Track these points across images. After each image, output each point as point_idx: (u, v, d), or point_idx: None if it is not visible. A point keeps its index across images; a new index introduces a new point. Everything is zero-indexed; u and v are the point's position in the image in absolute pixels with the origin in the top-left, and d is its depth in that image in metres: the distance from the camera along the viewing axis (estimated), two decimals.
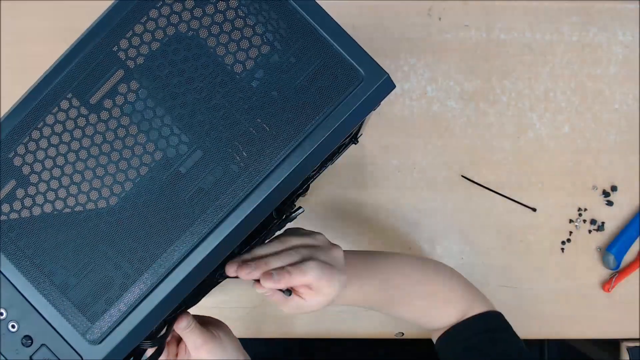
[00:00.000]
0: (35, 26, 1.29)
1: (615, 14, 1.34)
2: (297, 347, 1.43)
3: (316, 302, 0.90)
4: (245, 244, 0.90)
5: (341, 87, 0.70)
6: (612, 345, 1.41)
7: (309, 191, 1.26)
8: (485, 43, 1.34)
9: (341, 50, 0.70)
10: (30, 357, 0.71)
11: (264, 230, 0.92)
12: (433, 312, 1.07)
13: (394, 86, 0.72)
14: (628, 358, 1.31)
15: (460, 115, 1.33)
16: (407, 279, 1.04)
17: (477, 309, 1.08)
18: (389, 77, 0.71)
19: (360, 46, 0.71)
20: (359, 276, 0.98)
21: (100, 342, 0.69)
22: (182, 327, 0.85)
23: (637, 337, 1.32)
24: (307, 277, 0.86)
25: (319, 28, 0.70)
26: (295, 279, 0.86)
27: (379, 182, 1.32)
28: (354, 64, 0.70)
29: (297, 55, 0.70)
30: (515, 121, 1.33)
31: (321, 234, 0.97)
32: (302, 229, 0.98)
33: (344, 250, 0.98)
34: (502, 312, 1.27)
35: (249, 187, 0.69)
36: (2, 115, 0.72)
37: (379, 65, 0.70)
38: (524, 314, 1.32)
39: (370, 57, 0.70)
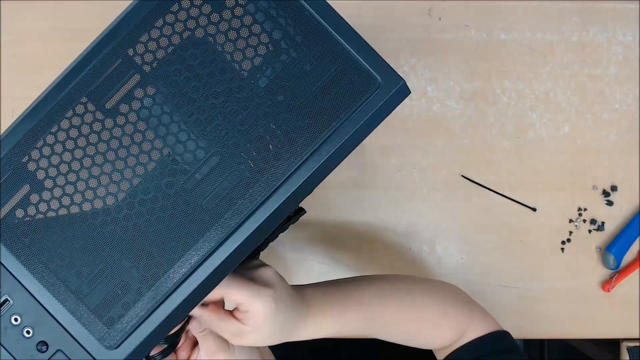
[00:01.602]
0: (35, 26, 1.28)
1: (615, 14, 1.34)
2: (303, 347, 1.43)
3: (254, 323, 0.82)
4: None
5: (358, 93, 0.70)
6: (612, 345, 1.42)
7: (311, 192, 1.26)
8: (485, 43, 1.34)
9: (358, 57, 0.70)
10: None
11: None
12: (424, 334, 1.03)
13: (410, 92, 0.72)
14: (628, 358, 1.32)
15: (460, 115, 1.33)
16: (391, 304, 0.99)
17: (475, 329, 1.04)
18: (405, 83, 0.71)
19: (376, 52, 0.71)
20: (335, 305, 0.93)
21: (117, 347, 0.69)
22: (194, 328, 0.84)
23: (637, 337, 1.33)
24: (214, 294, 0.80)
25: (336, 34, 0.70)
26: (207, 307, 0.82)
27: (379, 182, 1.32)
28: (371, 70, 0.70)
29: (315, 61, 0.70)
30: (515, 121, 1.34)
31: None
32: None
33: (320, 282, 0.97)
34: (502, 312, 1.27)
35: (266, 192, 0.69)
36: (7, 117, 0.71)
37: (395, 72, 0.70)
38: (524, 314, 1.33)
39: (387, 63, 0.70)
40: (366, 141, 1.31)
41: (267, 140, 0.70)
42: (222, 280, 0.73)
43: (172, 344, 0.86)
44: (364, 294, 0.97)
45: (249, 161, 0.70)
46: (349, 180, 1.32)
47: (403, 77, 1.29)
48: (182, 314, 0.71)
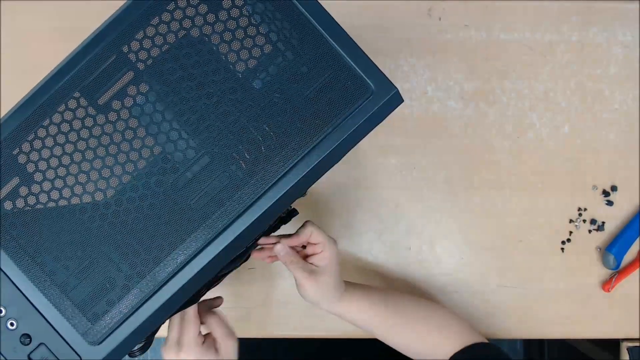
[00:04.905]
0: (35, 26, 1.29)
1: (615, 14, 1.34)
2: (299, 347, 1.43)
3: (324, 264, 1.00)
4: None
5: (351, 100, 0.70)
6: (612, 345, 1.41)
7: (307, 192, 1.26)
8: (485, 43, 1.34)
9: (352, 63, 0.70)
10: (29, 355, 0.71)
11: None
12: (430, 338, 1.10)
13: (402, 100, 0.72)
14: (628, 358, 1.31)
15: (460, 115, 1.33)
16: (406, 305, 1.13)
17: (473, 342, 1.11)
18: (397, 91, 0.71)
19: (371, 60, 0.71)
20: (362, 288, 1.12)
21: (100, 343, 0.69)
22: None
23: (637, 337, 1.32)
24: (307, 230, 1.00)
25: (331, 40, 0.71)
26: (300, 238, 1.00)
27: (379, 182, 1.32)
28: (364, 77, 0.71)
29: (309, 65, 0.70)
30: (515, 121, 1.33)
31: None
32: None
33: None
34: (502, 312, 1.27)
35: (255, 194, 0.70)
36: (5, 113, 0.72)
37: (389, 80, 0.71)
38: (524, 314, 1.32)
39: (381, 71, 0.71)
40: (366, 141, 1.31)
41: (258, 142, 0.70)
42: (208, 279, 0.74)
43: (149, 340, 0.86)
44: (385, 291, 1.14)
45: (240, 162, 0.70)
46: (349, 180, 1.32)
47: (403, 77, 1.30)
48: (167, 312, 0.71)
